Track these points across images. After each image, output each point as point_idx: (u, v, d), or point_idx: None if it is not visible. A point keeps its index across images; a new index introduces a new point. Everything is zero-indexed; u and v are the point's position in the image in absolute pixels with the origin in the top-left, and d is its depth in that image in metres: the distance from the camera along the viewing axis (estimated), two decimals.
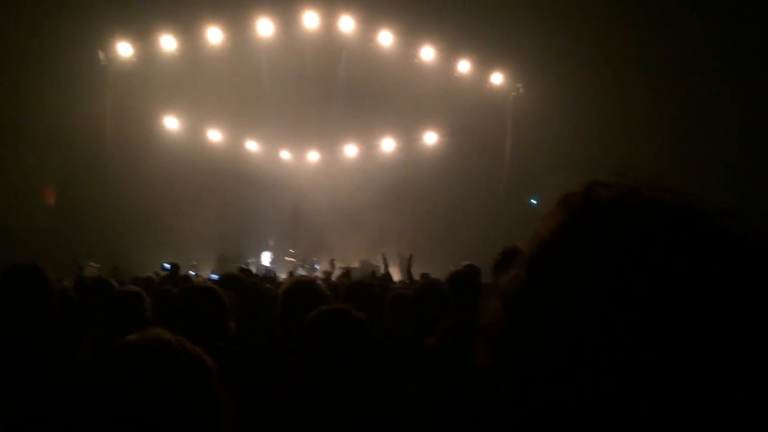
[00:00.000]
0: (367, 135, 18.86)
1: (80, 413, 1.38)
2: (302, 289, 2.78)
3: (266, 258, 17.79)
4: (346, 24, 17.41)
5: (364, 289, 3.93)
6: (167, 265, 7.21)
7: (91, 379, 1.32)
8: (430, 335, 1.77)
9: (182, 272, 8.09)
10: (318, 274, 14.88)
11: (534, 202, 20.10)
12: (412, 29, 17.42)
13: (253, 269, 14.59)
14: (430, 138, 18.99)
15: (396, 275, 9.70)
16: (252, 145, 18.63)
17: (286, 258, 17.84)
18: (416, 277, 8.35)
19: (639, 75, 17.67)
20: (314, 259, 17.65)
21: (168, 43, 16.80)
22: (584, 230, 0.60)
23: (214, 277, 11.86)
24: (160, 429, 1.23)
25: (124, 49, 16.71)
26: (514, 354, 0.59)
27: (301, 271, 15.63)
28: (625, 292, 0.54)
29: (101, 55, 16.63)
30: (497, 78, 18.34)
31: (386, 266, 8.04)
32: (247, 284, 5.13)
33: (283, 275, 14.31)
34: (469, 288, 3.51)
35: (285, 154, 19.01)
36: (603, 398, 0.53)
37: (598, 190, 0.64)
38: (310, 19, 17.22)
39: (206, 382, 1.32)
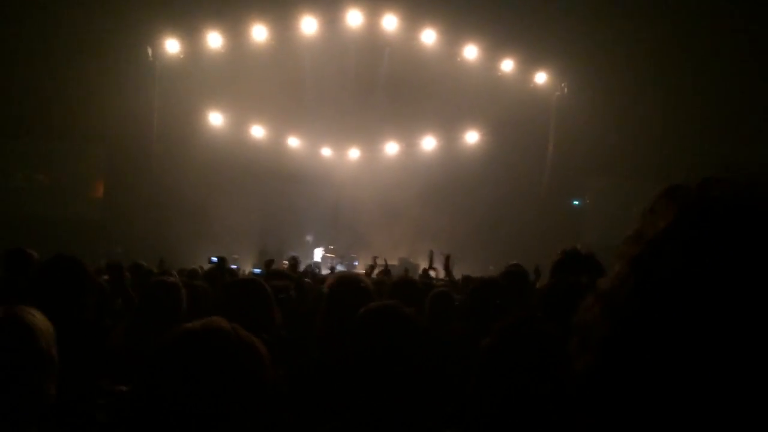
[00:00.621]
0: (408, 133, 18.86)
1: (137, 399, 1.42)
2: (348, 284, 2.79)
3: (318, 255, 17.89)
4: (390, 22, 17.44)
5: (407, 286, 3.94)
6: (215, 259, 7.37)
7: (149, 366, 1.35)
8: (485, 334, 1.75)
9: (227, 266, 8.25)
10: (358, 270, 14.95)
11: (576, 203, 19.84)
12: (456, 28, 17.34)
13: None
14: (472, 137, 18.89)
15: (433, 273, 9.66)
16: (294, 142, 18.80)
17: (326, 254, 17.97)
18: (457, 277, 8.32)
19: (684, 75, 17.31)
20: (353, 255, 17.74)
21: (214, 40, 17.08)
22: (702, 229, 0.55)
23: (257, 271, 12.02)
24: (216, 415, 1.27)
25: (172, 45, 17.04)
26: (622, 360, 0.55)
27: (340, 267, 15.72)
28: (753, 298, 0.50)
29: (149, 51, 16.99)
30: (541, 77, 18.13)
31: (431, 264, 7.97)
32: (291, 278, 5.22)
33: (324, 271, 14.43)
34: (520, 288, 3.49)
35: (326, 151, 19.13)
36: (722, 411, 0.50)
37: (711, 185, 0.59)
38: (354, 18, 17.30)
39: (261, 371, 1.36)
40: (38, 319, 1.82)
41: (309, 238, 18.58)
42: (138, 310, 3.46)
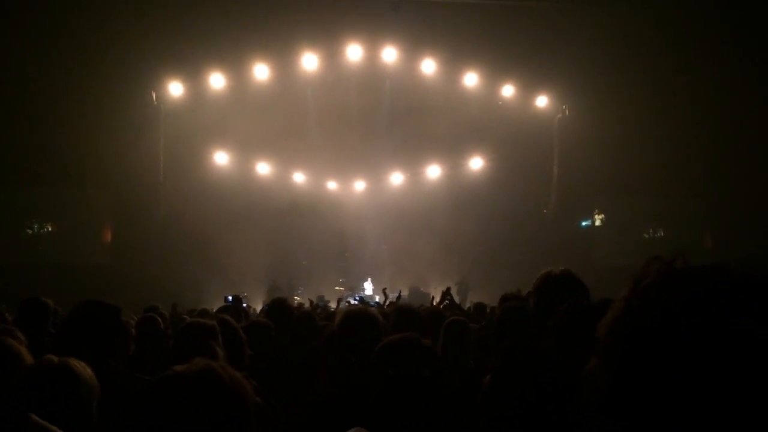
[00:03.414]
0: (412, 162, 18.94)
1: None
2: (357, 318, 2.79)
3: (369, 288, 17.73)
4: (389, 54, 17.65)
5: (409, 315, 3.89)
6: (230, 298, 7.36)
7: (139, 407, 1.36)
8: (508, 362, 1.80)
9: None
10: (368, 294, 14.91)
11: (584, 224, 19.80)
12: (455, 57, 17.52)
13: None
14: (476, 163, 18.94)
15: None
16: (299, 177, 18.89)
17: (336, 288, 17.93)
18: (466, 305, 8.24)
19: (685, 96, 17.45)
20: (363, 287, 17.69)
21: (216, 80, 17.31)
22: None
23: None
24: None
25: (175, 88, 17.28)
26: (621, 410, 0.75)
27: (350, 300, 15.68)
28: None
29: (153, 95, 17.22)
30: (542, 101, 18.25)
31: (446, 298, 7.82)
32: (294, 314, 5.19)
33: (332, 304, 14.40)
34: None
35: (332, 184, 19.20)
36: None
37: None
38: (354, 52, 17.52)
39: (246, 411, 1.36)
40: (87, 373, 1.84)
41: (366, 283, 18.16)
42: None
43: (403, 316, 3.60)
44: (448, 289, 7.94)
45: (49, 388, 1.75)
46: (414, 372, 1.84)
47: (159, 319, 4.89)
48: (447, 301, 7.52)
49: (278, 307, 5.21)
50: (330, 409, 2.54)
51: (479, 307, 7.58)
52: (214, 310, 8.11)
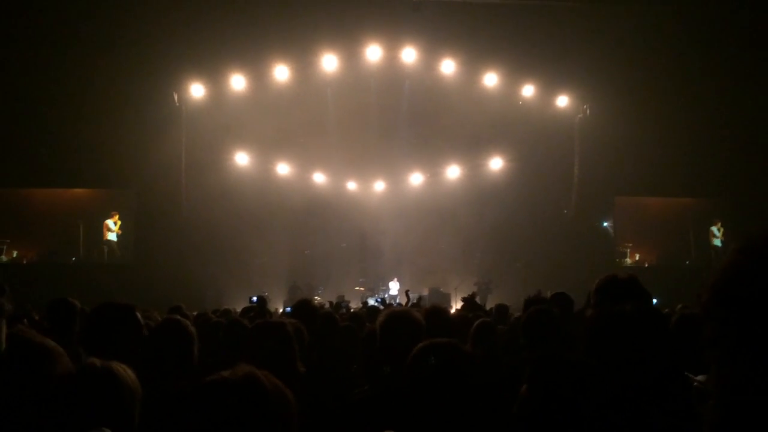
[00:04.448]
0: (432, 163, 18.92)
1: None
2: (399, 320, 2.79)
3: (395, 288, 17.73)
4: (409, 55, 17.64)
5: (441, 317, 3.89)
6: (254, 299, 7.39)
7: (181, 414, 1.37)
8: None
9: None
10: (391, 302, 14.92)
11: (605, 224, 19.64)
12: (475, 57, 17.47)
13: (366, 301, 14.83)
14: (496, 163, 18.87)
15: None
16: (319, 177, 18.95)
17: (356, 288, 17.97)
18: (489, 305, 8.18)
19: (707, 95, 17.27)
20: (383, 288, 17.71)
21: (237, 82, 17.43)
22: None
23: (288, 310, 12.05)
24: None
25: (197, 90, 17.42)
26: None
27: (371, 300, 15.70)
28: None
29: (175, 97, 17.38)
30: (562, 101, 18.14)
31: (472, 298, 7.80)
32: (319, 314, 5.20)
33: (352, 304, 14.43)
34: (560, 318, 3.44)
35: (351, 185, 19.23)
36: None
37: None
38: (373, 52, 17.54)
39: (290, 421, 1.37)
40: (130, 377, 1.85)
41: (392, 283, 18.12)
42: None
43: (434, 318, 3.61)
44: (472, 295, 7.90)
45: (94, 393, 1.77)
46: (453, 377, 1.84)
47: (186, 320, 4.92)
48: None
49: (303, 307, 5.23)
50: (367, 411, 2.54)
51: (501, 308, 7.48)
52: (238, 311, 8.18)
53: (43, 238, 17.87)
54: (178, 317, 3.45)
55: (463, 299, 7.79)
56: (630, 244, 19.22)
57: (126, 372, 1.90)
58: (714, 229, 19.15)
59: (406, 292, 11.22)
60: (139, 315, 2.95)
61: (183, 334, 3.13)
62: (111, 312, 2.89)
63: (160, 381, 2.77)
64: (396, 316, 2.81)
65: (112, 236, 18.15)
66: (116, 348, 2.72)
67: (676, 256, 18.89)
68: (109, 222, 18.15)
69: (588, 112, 18.04)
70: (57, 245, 17.70)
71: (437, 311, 3.78)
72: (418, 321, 2.79)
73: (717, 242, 19.03)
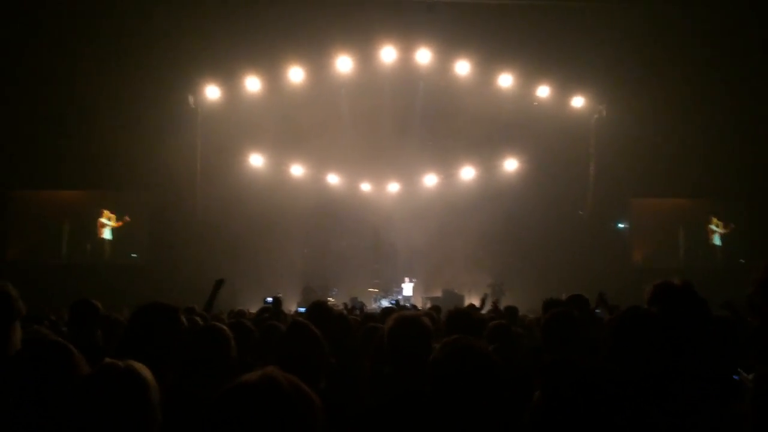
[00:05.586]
0: (446, 164, 18.87)
1: None
2: (407, 324, 2.77)
3: (408, 288, 17.70)
4: (423, 56, 17.63)
5: (462, 319, 3.88)
6: (269, 299, 7.38)
7: (207, 418, 1.35)
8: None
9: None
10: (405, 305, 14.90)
11: (621, 225, 19.50)
12: (490, 58, 17.42)
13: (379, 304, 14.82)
14: (511, 164, 18.80)
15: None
16: (333, 178, 18.98)
17: (369, 289, 17.95)
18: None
19: (725, 96, 17.10)
20: (396, 289, 17.67)
21: (252, 84, 17.51)
22: None
23: (302, 309, 12.07)
24: None
25: (212, 92, 17.52)
26: None
27: (384, 302, 15.69)
28: None
29: (191, 99, 17.49)
30: (578, 101, 18.03)
31: (484, 300, 7.80)
32: (334, 315, 5.19)
33: (371, 305, 14.46)
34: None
35: (365, 186, 19.23)
36: None
37: None
38: (388, 54, 17.54)
39: (312, 422, 1.34)
40: (150, 377, 1.85)
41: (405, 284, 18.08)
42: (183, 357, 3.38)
43: (455, 320, 3.60)
44: (486, 296, 7.90)
45: (118, 394, 1.75)
46: (474, 378, 1.83)
47: (199, 320, 4.93)
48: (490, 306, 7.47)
49: (318, 309, 5.23)
50: (377, 420, 2.52)
51: (511, 310, 7.42)
52: (252, 312, 8.19)
53: (53, 240, 18.10)
54: (220, 324, 3.44)
55: (481, 300, 7.78)
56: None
57: (147, 371, 1.88)
58: (712, 226, 18.94)
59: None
60: (183, 317, 2.94)
61: (221, 338, 3.14)
62: (155, 313, 2.89)
63: (196, 383, 2.76)
64: (405, 320, 2.80)
65: (107, 233, 18.24)
66: (158, 350, 2.71)
67: (697, 256, 18.67)
68: (102, 219, 18.25)
69: (604, 112, 17.92)
70: (72, 246, 17.95)
71: (459, 314, 3.78)
72: (426, 326, 2.79)
73: (716, 239, 18.84)
